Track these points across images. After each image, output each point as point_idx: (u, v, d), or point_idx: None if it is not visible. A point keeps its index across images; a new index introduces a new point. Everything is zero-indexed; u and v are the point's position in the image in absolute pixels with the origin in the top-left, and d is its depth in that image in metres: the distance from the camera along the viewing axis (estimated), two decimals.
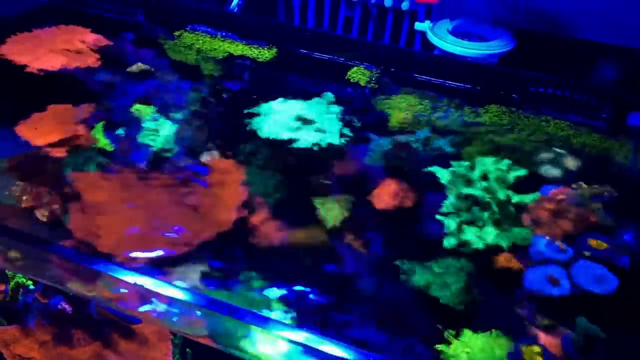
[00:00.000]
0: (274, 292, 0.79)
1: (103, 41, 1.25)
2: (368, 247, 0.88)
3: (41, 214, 0.88)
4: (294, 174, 1.00)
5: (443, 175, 0.99)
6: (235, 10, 1.35)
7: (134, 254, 0.82)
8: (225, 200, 0.93)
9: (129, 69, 1.19)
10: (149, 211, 0.90)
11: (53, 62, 1.14)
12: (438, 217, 0.91)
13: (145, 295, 0.72)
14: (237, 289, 0.80)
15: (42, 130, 1.00)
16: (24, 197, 0.89)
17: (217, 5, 1.48)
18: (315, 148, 1.04)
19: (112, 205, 0.90)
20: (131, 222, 0.88)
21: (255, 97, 1.15)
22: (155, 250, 0.84)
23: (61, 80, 1.14)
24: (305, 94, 1.17)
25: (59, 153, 0.97)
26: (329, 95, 1.16)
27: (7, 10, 1.27)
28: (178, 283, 0.78)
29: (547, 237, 0.87)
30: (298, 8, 1.49)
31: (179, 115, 1.08)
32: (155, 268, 0.81)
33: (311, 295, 0.80)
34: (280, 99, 1.14)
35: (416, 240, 0.90)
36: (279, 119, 1.10)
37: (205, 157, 1.00)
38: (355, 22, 1.48)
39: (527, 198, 0.94)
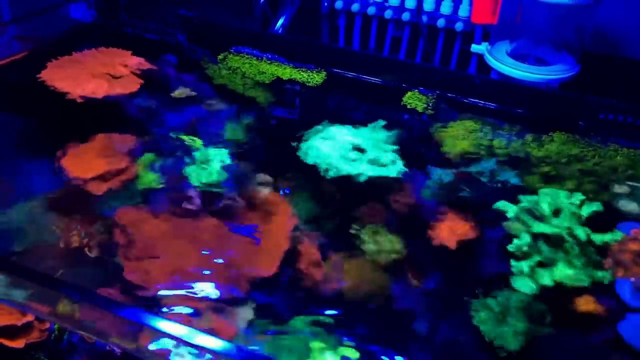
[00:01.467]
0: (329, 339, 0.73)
1: (145, 65, 1.20)
2: (425, 285, 0.82)
3: (88, 251, 0.84)
4: (346, 206, 0.94)
5: (509, 209, 0.92)
6: (279, 32, 1.30)
7: (181, 293, 0.77)
8: (274, 236, 0.88)
9: (173, 94, 1.15)
10: (197, 250, 0.84)
11: (96, 89, 1.09)
12: (505, 255, 0.84)
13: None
14: (286, 334, 0.74)
15: (85, 163, 0.95)
16: (70, 236, 0.85)
17: (260, 26, 1.44)
18: (368, 179, 0.98)
19: (161, 244, 0.84)
20: (180, 261, 0.82)
21: (305, 123, 1.09)
22: (204, 291, 0.78)
23: (104, 107, 1.09)
24: (357, 120, 1.11)
25: (104, 188, 0.92)
26: (382, 122, 1.10)
27: (45, 30, 1.24)
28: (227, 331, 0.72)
29: (632, 281, 0.80)
30: (343, 28, 1.44)
31: (226, 145, 1.03)
32: (201, 313, 0.76)
33: (368, 335, 0.74)
34: (331, 126, 1.08)
35: (480, 280, 0.83)
36: (331, 147, 1.03)
37: (255, 189, 0.96)
38: (403, 43, 1.42)
39: (607, 237, 0.87)
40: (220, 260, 0.83)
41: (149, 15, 1.36)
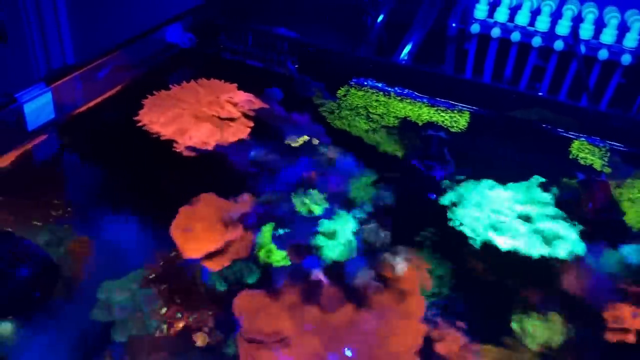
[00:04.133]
0: None
1: (255, 102, 1.03)
2: None
3: (199, 340, 0.68)
4: (496, 284, 0.76)
5: None
6: (405, 61, 1.11)
7: None
8: (409, 320, 0.71)
9: (287, 142, 0.98)
10: (324, 339, 0.67)
11: (205, 137, 0.92)
12: None
13: None
14: None
15: (196, 234, 0.77)
16: (176, 321, 0.69)
17: (375, 53, 1.25)
18: (527, 255, 0.79)
19: (283, 331, 0.68)
20: (304, 352, 0.66)
21: (450, 180, 0.90)
22: None
23: (213, 160, 0.92)
24: (509, 175, 0.91)
25: (215, 264, 0.75)
26: (540, 179, 0.89)
27: (136, 55, 1.08)
28: None
29: None
30: (473, 54, 1.24)
31: (352, 207, 0.84)
32: None
33: None
34: (482, 183, 0.88)
35: None
36: (481, 210, 0.84)
37: (387, 263, 0.77)
38: (547, 74, 1.21)
39: None
40: (349, 353, 0.67)
41: (251, 38, 1.19)
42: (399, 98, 1.05)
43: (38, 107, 0.83)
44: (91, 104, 0.98)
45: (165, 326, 0.68)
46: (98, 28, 1.34)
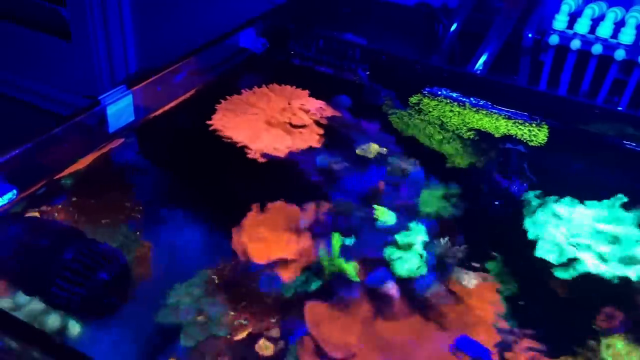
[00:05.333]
0: None
1: (327, 110, 1.02)
2: None
3: (261, 350, 0.67)
4: (571, 304, 0.72)
5: None
6: (480, 71, 1.09)
7: None
8: (481, 339, 0.68)
9: (358, 151, 0.97)
10: (392, 352, 0.66)
11: (276, 142, 0.92)
12: None
13: None
14: None
15: (262, 240, 0.77)
16: (240, 327, 0.69)
17: (447, 63, 1.22)
18: (612, 279, 0.76)
19: (350, 344, 0.66)
20: None
21: (531, 197, 0.87)
22: None
23: (284, 167, 0.91)
24: (595, 194, 0.87)
25: (283, 272, 0.74)
26: (624, 198, 0.86)
27: (208, 60, 1.09)
28: None
29: None
30: (549, 66, 1.20)
31: (424, 220, 0.82)
32: None
33: None
34: (562, 199, 0.85)
35: None
36: (561, 228, 0.81)
37: (459, 279, 0.75)
38: (628, 88, 1.16)
39: None
40: None
41: (321, 44, 1.19)
42: (475, 109, 1.02)
43: (119, 109, 0.84)
44: (166, 107, 0.99)
45: (230, 332, 0.67)
46: (160, 28, 1.35)
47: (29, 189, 0.78)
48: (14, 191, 0.71)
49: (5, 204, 0.71)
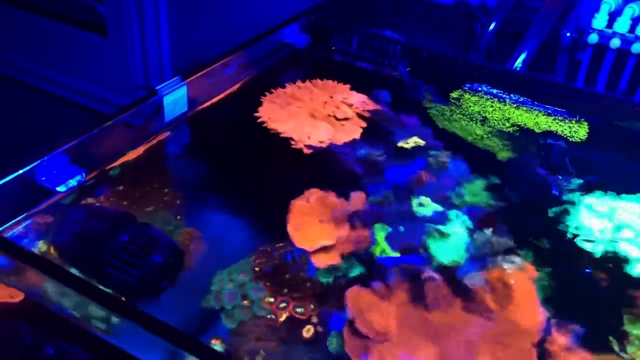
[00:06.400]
0: None
1: (369, 104, 1.05)
2: None
3: (304, 331, 0.69)
4: (614, 299, 0.73)
5: None
6: (519, 68, 1.11)
7: None
8: (520, 327, 0.69)
9: (399, 144, 0.99)
10: (427, 342, 0.67)
11: (320, 135, 0.95)
12: None
13: None
14: None
15: (305, 227, 0.80)
16: (282, 311, 0.71)
17: (485, 60, 1.24)
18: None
19: (390, 328, 0.69)
20: (411, 349, 0.66)
21: (572, 190, 0.88)
22: None
23: (328, 158, 0.94)
24: (633, 187, 0.88)
25: (324, 259, 0.76)
26: None
27: (253, 54, 1.13)
28: None
29: None
30: (586, 64, 1.22)
31: (465, 211, 0.84)
32: None
33: None
34: (604, 193, 0.87)
35: None
36: (603, 220, 0.83)
37: (498, 269, 0.77)
38: None
39: None
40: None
41: (362, 40, 1.22)
42: (515, 105, 1.04)
43: (175, 99, 0.87)
44: (215, 99, 1.03)
45: (271, 315, 0.70)
46: (195, 27, 1.38)
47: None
48: (83, 174, 0.75)
49: (75, 186, 0.75)
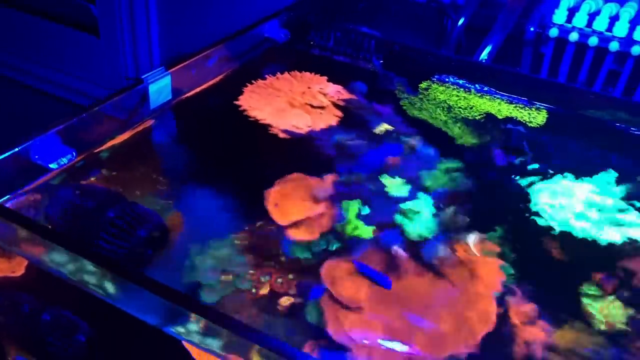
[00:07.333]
0: None
1: (344, 94, 1.12)
2: None
3: (282, 305, 0.75)
4: (572, 270, 0.80)
5: None
6: (485, 61, 1.18)
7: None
8: (483, 297, 0.76)
9: (374, 130, 1.06)
10: (401, 304, 0.74)
11: (297, 121, 1.02)
12: None
13: None
14: None
15: (283, 206, 0.86)
16: (262, 285, 0.77)
17: (454, 54, 1.32)
18: (604, 243, 0.84)
19: (365, 300, 0.75)
20: (382, 317, 0.72)
21: (529, 171, 0.96)
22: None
23: (304, 143, 1.01)
24: (584, 169, 0.96)
25: (302, 235, 0.83)
26: (614, 174, 0.95)
27: (235, 48, 1.19)
28: None
29: None
30: (549, 57, 1.30)
31: (432, 192, 0.91)
32: None
33: None
34: (559, 175, 0.94)
35: None
36: (559, 199, 0.90)
37: (462, 244, 0.84)
38: (622, 78, 1.25)
39: None
40: (424, 324, 0.72)
41: (339, 36, 1.28)
42: (479, 94, 1.12)
43: (159, 88, 0.94)
44: (198, 89, 1.09)
45: (251, 289, 0.74)
46: (184, 29, 1.44)
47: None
48: (73, 153, 0.81)
49: (65, 164, 0.81)
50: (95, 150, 0.91)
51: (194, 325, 0.63)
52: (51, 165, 0.80)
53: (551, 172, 0.95)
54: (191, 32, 1.40)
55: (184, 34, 1.41)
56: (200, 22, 1.48)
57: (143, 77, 0.91)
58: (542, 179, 0.94)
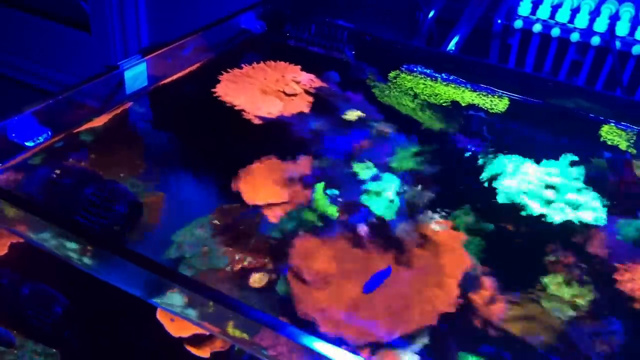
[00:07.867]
0: None
1: (316, 82, 1.17)
2: (612, 341, 0.71)
3: (255, 281, 0.79)
4: (531, 249, 0.85)
5: None
6: (452, 51, 1.23)
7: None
8: (446, 274, 0.80)
9: (344, 116, 1.11)
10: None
11: (270, 108, 1.07)
12: None
13: None
14: None
15: (259, 188, 0.91)
16: (237, 261, 0.81)
17: (426, 45, 1.37)
18: (561, 223, 0.89)
19: (332, 275, 0.80)
20: (351, 294, 0.76)
21: (486, 153, 1.01)
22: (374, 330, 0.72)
23: (276, 128, 1.05)
24: (544, 154, 1.01)
25: (274, 214, 0.88)
26: (573, 157, 1.00)
27: (212, 38, 1.23)
28: None
29: None
30: (516, 48, 1.34)
31: (398, 173, 0.96)
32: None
33: None
34: (517, 157, 0.99)
35: None
36: (519, 183, 0.95)
37: (427, 223, 0.88)
38: (584, 68, 1.30)
39: None
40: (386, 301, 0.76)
41: (314, 28, 1.33)
42: (445, 83, 1.17)
43: (135, 74, 0.98)
44: (175, 77, 1.13)
45: (227, 265, 0.78)
46: (172, 26, 1.47)
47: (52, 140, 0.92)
48: (48, 132, 0.85)
49: (41, 143, 0.85)
50: (75, 131, 0.94)
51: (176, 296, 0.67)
52: (27, 143, 0.84)
53: (510, 155, 1.00)
54: (179, 28, 1.45)
55: (173, 30, 1.45)
56: (188, 19, 1.52)
57: (119, 63, 0.95)
58: (501, 162, 0.99)
